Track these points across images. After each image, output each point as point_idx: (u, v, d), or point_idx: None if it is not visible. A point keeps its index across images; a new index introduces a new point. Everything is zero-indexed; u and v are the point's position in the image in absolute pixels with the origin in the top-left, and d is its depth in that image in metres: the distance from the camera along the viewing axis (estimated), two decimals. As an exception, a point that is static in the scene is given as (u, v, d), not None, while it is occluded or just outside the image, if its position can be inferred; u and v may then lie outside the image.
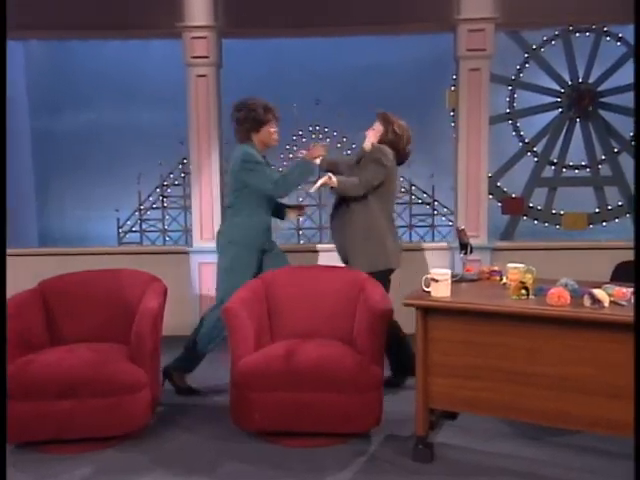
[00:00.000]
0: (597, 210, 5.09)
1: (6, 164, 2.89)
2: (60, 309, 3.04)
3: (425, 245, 4.80)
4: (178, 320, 4.61)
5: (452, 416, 2.96)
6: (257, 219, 3.37)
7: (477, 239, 4.49)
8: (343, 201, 3.32)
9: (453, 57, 4.56)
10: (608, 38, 5.08)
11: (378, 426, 2.74)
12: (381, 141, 3.32)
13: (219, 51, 4.57)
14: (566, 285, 2.43)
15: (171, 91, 4.80)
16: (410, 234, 4.94)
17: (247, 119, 3.30)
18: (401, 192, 4.92)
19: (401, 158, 3.39)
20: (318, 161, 3.35)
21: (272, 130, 3.37)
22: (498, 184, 5.09)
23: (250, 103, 3.32)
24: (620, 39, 5.06)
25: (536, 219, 5.12)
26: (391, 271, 3.34)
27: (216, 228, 4.65)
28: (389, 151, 3.27)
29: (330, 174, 3.22)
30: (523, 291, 2.40)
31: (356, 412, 2.64)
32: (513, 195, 5.09)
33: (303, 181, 3.39)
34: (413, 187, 4.90)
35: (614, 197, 5.10)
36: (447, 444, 2.73)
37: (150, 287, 3.03)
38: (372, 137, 3.36)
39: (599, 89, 5.08)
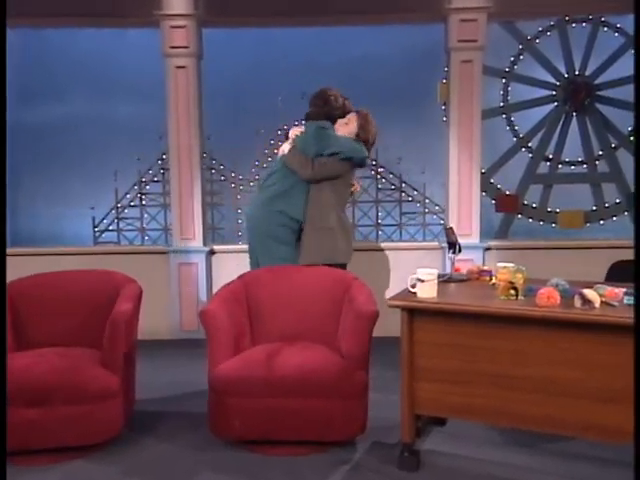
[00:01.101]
0: (594, 208, 5.12)
1: (6, 164, 2.90)
2: (29, 312, 3.02)
3: (416, 244, 4.82)
4: (156, 324, 4.62)
5: (441, 422, 2.97)
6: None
7: (469, 238, 4.52)
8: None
9: (444, 48, 4.57)
10: (605, 29, 5.11)
11: (363, 433, 2.74)
12: None
13: (199, 41, 4.57)
14: (557, 285, 2.44)
15: (149, 83, 4.78)
16: (400, 233, 4.96)
17: (339, 108, 3.52)
18: (391, 189, 4.94)
19: None
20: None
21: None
22: (491, 181, 5.11)
23: (343, 98, 3.58)
24: (618, 30, 5.09)
25: (531, 217, 5.14)
26: (338, 265, 3.40)
27: (197, 227, 4.69)
28: None
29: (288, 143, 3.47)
30: (512, 291, 2.41)
31: (340, 419, 2.64)
32: (507, 192, 5.11)
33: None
34: (403, 184, 4.92)
35: (612, 194, 5.12)
36: (435, 451, 2.74)
37: (124, 289, 3.01)
38: (344, 133, 3.49)
39: (596, 82, 5.10)
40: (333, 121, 3.51)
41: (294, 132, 3.56)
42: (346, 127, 3.49)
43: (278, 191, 3.43)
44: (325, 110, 3.49)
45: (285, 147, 3.54)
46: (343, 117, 3.52)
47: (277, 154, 3.66)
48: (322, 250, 3.37)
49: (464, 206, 4.58)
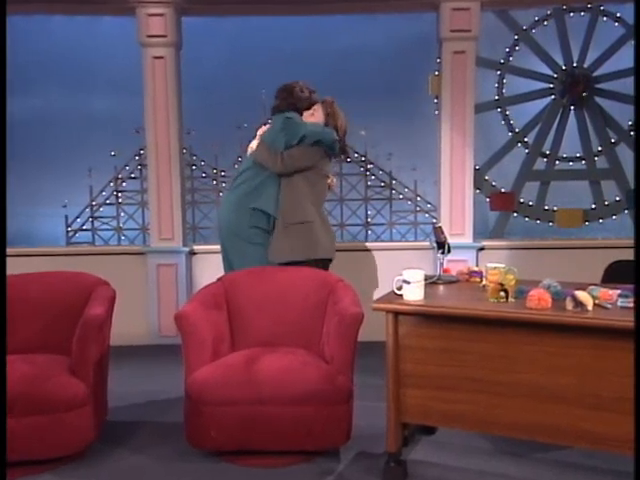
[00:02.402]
0: (593, 206, 5.15)
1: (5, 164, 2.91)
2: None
3: (407, 244, 4.83)
4: (133, 328, 4.60)
5: (429, 431, 2.98)
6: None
7: (462, 237, 4.54)
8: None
9: (436, 39, 4.58)
10: (605, 18, 5.13)
11: (347, 443, 2.74)
12: None
13: (178, 30, 4.55)
14: (549, 287, 2.45)
15: (125, 74, 4.76)
16: (391, 232, 4.96)
17: (305, 100, 3.55)
18: (380, 186, 4.94)
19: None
20: None
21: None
22: (486, 178, 5.13)
23: (309, 90, 3.60)
24: (618, 19, 5.12)
25: (527, 216, 5.16)
26: (321, 261, 3.41)
27: (177, 226, 4.67)
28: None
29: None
30: (502, 293, 2.42)
31: (322, 427, 2.64)
32: (502, 190, 5.14)
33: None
34: (394, 181, 4.93)
35: (611, 192, 5.16)
36: (423, 461, 2.74)
37: (96, 291, 3.00)
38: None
39: (595, 74, 5.13)
40: (299, 113, 3.54)
41: (263, 130, 3.61)
42: (312, 117, 3.54)
43: (249, 189, 3.44)
44: (290, 102, 3.52)
45: (254, 144, 3.57)
46: (309, 109, 3.56)
47: (247, 151, 3.66)
48: (297, 246, 3.36)
49: (457, 204, 4.59)
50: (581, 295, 2.26)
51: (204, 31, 4.88)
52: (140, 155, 4.82)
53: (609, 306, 2.30)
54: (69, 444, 2.64)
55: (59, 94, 5.17)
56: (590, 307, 2.25)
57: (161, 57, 4.50)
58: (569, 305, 2.28)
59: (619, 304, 2.32)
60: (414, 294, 2.49)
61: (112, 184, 4.88)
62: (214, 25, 4.96)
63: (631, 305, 2.28)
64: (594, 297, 2.32)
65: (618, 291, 2.38)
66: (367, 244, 4.82)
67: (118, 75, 4.90)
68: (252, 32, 5.00)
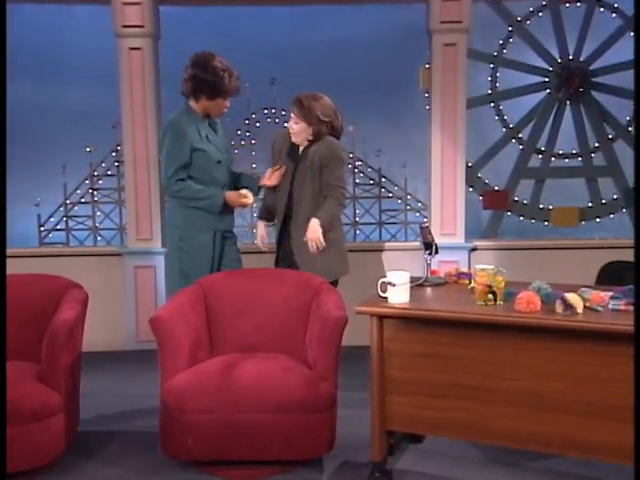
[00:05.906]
0: (590, 204, 5.18)
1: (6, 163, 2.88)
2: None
3: (396, 245, 4.84)
4: (110, 333, 4.58)
5: (417, 439, 2.99)
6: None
7: (453, 237, 4.56)
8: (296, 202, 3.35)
9: (425, 30, 4.60)
10: (602, 9, 5.16)
11: (331, 452, 2.75)
12: (317, 135, 3.28)
13: (156, 20, 4.53)
14: (538, 289, 2.46)
15: (101, 66, 4.74)
16: (380, 232, 4.97)
17: (206, 81, 3.19)
18: (369, 184, 4.95)
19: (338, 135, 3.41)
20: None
21: (225, 104, 3.34)
22: (479, 175, 5.15)
23: (220, 67, 3.20)
24: (616, 10, 5.15)
25: (522, 215, 5.19)
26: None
27: (155, 226, 4.66)
28: (336, 143, 3.32)
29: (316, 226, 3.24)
30: (490, 296, 2.43)
31: (304, 436, 2.65)
32: (496, 188, 5.16)
33: (203, 208, 3.28)
34: (383, 179, 4.94)
35: (609, 190, 5.19)
36: (409, 471, 2.76)
37: (67, 294, 2.99)
38: (303, 134, 3.29)
39: (592, 67, 5.16)
40: (214, 96, 3.23)
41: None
42: (298, 127, 3.26)
43: None
44: (205, 80, 3.17)
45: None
46: (230, 89, 3.23)
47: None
48: (333, 266, 3.35)
49: (448, 203, 4.60)
50: (571, 298, 2.28)
51: (183, 21, 4.87)
52: (117, 151, 4.79)
53: (600, 309, 2.32)
54: (38, 456, 2.63)
55: (30, 87, 5.14)
56: (580, 310, 2.27)
57: (138, 48, 4.48)
58: (559, 308, 2.29)
59: (610, 307, 2.34)
60: (399, 297, 2.51)
61: (87, 181, 4.85)
62: (194, 15, 4.95)
63: (623, 308, 2.30)
64: (585, 299, 2.34)
65: (610, 293, 2.40)
66: (355, 244, 4.83)
67: (93, 67, 4.88)
68: (233, 23, 5.00)
